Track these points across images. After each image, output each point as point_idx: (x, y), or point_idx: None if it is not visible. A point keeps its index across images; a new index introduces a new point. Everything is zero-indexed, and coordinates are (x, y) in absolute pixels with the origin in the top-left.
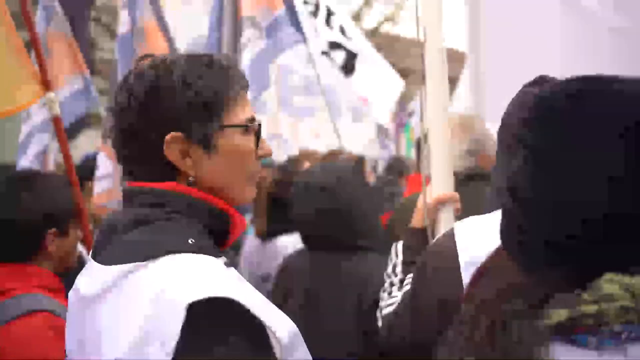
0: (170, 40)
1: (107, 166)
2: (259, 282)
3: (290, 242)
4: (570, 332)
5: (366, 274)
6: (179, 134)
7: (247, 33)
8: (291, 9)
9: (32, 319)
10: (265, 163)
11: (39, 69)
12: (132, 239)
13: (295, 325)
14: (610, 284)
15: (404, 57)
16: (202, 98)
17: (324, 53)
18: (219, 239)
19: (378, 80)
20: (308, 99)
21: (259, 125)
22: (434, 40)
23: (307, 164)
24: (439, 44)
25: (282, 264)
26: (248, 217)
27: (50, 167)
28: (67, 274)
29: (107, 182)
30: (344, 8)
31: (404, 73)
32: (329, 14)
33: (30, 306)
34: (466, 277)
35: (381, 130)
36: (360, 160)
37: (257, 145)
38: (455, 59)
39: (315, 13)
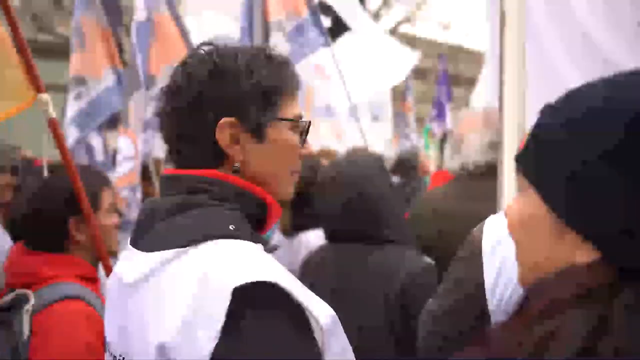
0: (183, 31)
1: (130, 150)
2: None
3: (313, 238)
4: None
5: (392, 267)
6: (233, 119)
7: (275, 37)
8: (315, 14)
9: (67, 305)
10: None
11: (27, 70)
12: (173, 225)
13: (333, 311)
14: None
15: (422, 57)
16: (262, 87)
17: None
18: (255, 226)
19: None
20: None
21: (309, 123)
22: (515, 35)
23: (325, 162)
24: (522, 39)
25: (306, 259)
26: None
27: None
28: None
29: (129, 165)
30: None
31: (422, 73)
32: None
33: (66, 293)
34: (487, 263)
35: (402, 120)
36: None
37: (302, 142)
38: (474, 60)
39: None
